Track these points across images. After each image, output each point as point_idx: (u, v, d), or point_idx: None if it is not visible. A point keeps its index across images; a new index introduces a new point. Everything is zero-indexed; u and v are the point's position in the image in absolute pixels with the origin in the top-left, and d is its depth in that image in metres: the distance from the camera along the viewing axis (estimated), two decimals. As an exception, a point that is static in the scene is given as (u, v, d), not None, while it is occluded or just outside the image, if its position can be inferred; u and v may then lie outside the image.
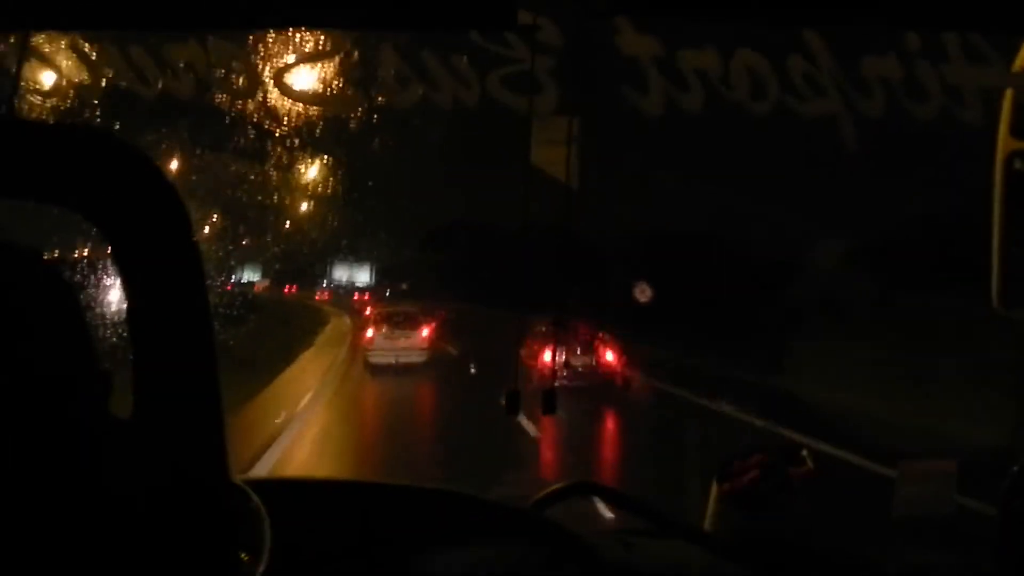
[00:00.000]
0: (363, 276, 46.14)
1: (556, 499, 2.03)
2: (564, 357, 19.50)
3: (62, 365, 0.93)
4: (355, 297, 43.85)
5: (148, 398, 0.94)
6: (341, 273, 45.91)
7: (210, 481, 0.97)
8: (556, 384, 17.32)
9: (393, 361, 21.25)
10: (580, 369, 20.10)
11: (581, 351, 20.72)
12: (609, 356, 21.78)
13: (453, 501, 1.96)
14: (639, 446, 14.56)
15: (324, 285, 46.50)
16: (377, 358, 21.56)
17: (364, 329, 24.43)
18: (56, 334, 0.94)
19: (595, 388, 19.04)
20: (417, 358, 21.88)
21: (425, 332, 23.27)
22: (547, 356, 18.99)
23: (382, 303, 31.75)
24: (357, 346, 23.59)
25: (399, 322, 22.78)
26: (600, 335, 22.24)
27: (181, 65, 1.86)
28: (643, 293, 23.75)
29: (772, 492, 2.01)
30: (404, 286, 43.43)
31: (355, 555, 1.69)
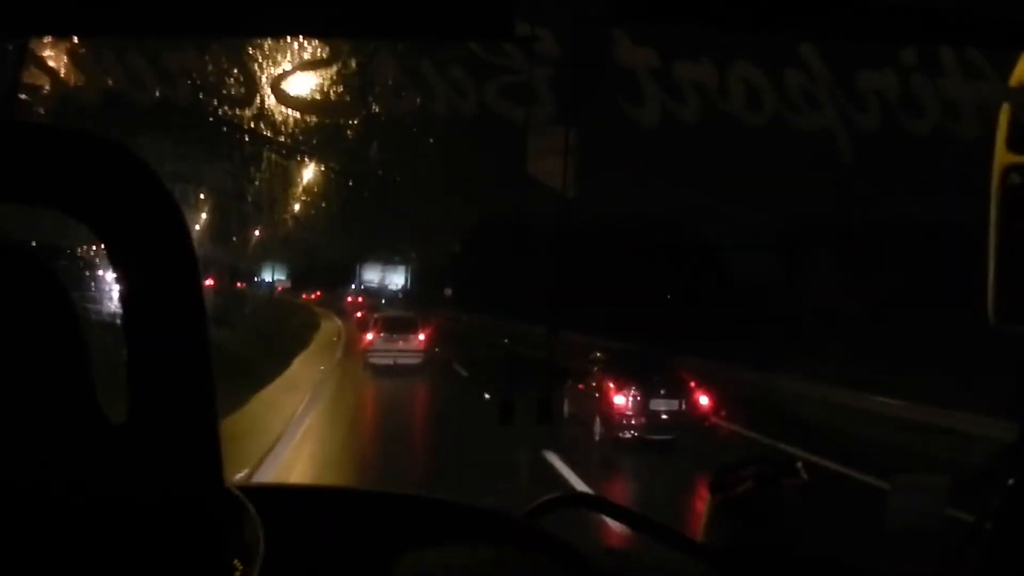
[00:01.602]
0: (397, 278, 40.42)
1: (549, 509, 2.03)
2: (641, 399, 15.10)
3: (51, 366, 0.93)
4: (347, 300, 40.79)
5: (142, 402, 0.94)
6: (372, 275, 40.26)
7: (203, 487, 0.97)
8: (629, 436, 14.41)
9: (391, 362, 22.54)
10: (664, 417, 15.00)
11: (666, 392, 15.29)
12: (704, 401, 15.75)
13: (445, 509, 1.95)
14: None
15: (353, 288, 41.60)
16: (376, 359, 22.86)
17: (363, 333, 25.66)
18: (45, 334, 0.94)
19: (684, 442, 14.32)
20: (413, 360, 23.07)
21: (421, 336, 24.39)
22: (619, 399, 14.97)
23: (377, 309, 31.34)
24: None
25: (397, 326, 24.04)
26: (688, 375, 16.27)
27: (176, 71, 1.87)
28: None
29: (766, 503, 2.01)
30: (447, 291, 34.37)
31: (345, 563, 1.68)
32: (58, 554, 0.88)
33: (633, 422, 14.87)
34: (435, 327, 26.25)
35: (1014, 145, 1.88)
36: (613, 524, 2.18)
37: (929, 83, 1.92)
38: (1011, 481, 1.89)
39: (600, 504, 2.21)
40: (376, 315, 26.26)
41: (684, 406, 15.19)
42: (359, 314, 33.23)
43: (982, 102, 1.92)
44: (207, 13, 1.81)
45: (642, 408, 15.01)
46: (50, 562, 0.88)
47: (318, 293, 45.25)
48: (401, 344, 23.42)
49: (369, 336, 24.18)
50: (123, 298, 0.95)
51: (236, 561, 1.06)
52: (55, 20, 1.82)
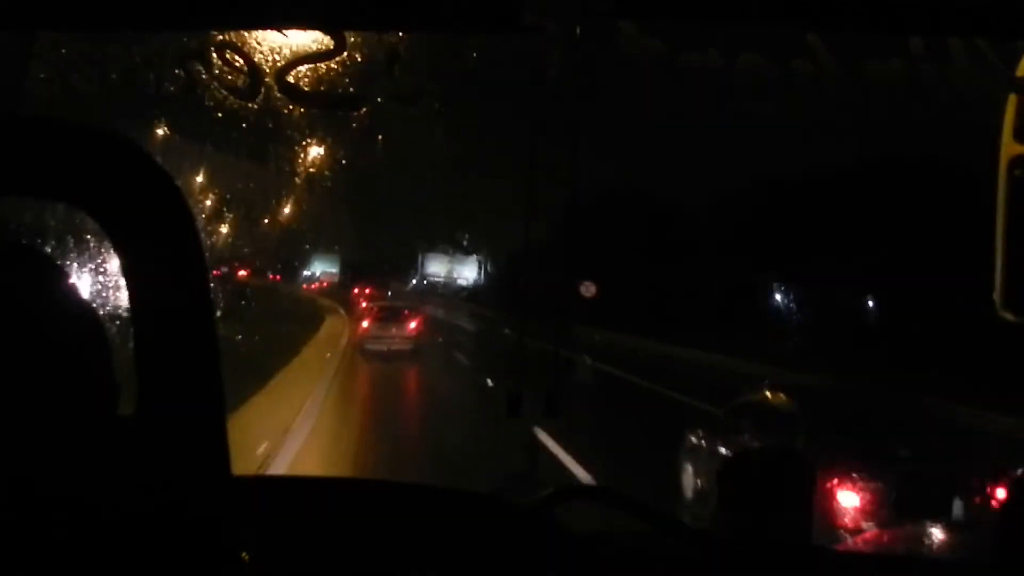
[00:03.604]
0: (468, 272, 31.93)
1: (558, 500, 2.03)
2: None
3: (56, 360, 0.94)
4: (354, 291, 38.18)
5: (150, 395, 0.94)
6: (437, 267, 32.57)
7: (211, 479, 0.97)
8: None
9: (385, 348, 24.11)
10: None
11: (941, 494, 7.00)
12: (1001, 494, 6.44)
13: (456, 499, 1.96)
14: None
15: (414, 282, 35.19)
16: (371, 345, 24.52)
17: (359, 322, 26.86)
18: (50, 328, 0.94)
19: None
20: (405, 346, 24.64)
21: (412, 324, 25.81)
22: (850, 498, 7.21)
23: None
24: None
25: (390, 315, 25.79)
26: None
27: (178, 69, 1.87)
28: None
29: (773, 493, 2.01)
30: (589, 290, 21.87)
31: (354, 553, 1.69)
32: (66, 545, 0.89)
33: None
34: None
35: (1020, 136, 1.87)
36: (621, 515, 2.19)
37: (936, 73, 1.91)
38: (1020, 472, 1.89)
39: (607, 495, 2.21)
40: (370, 305, 27.95)
41: (979, 501, 7.11)
42: (364, 304, 32.69)
43: (989, 93, 1.91)
44: (212, 5, 1.81)
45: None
46: (59, 553, 0.88)
47: (324, 283, 42.44)
48: (394, 331, 24.86)
49: (365, 324, 25.71)
50: (130, 291, 0.95)
51: (244, 554, 1.06)
52: (60, 13, 1.82)
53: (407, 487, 2.00)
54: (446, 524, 1.80)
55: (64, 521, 0.89)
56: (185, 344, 0.96)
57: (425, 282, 34.09)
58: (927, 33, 1.83)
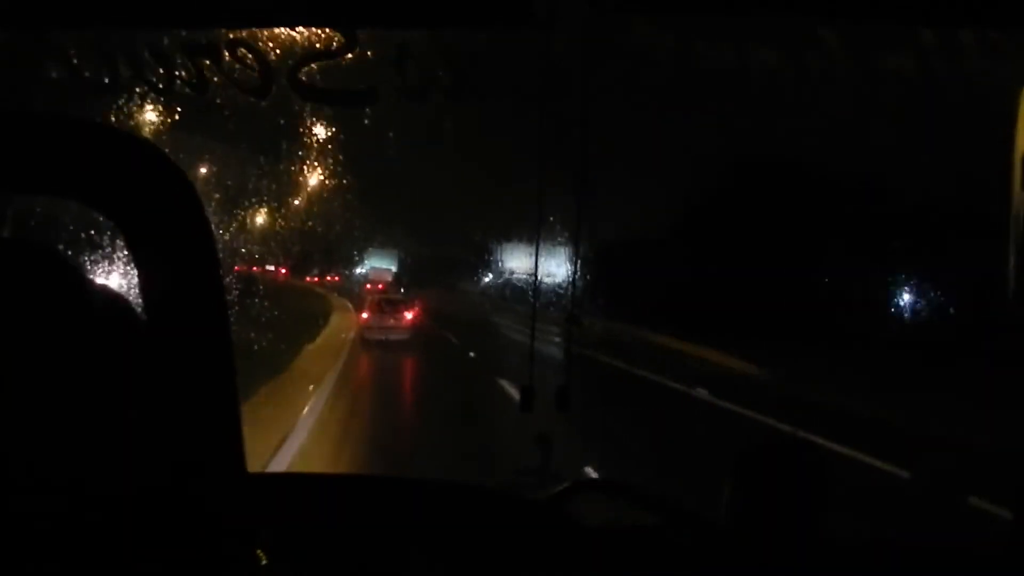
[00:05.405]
0: (555, 267, 25.83)
1: (572, 494, 2.03)
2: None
3: (71, 359, 0.94)
4: (366, 287, 37.82)
5: (165, 394, 0.95)
6: (517, 262, 26.93)
7: (226, 477, 0.97)
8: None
9: (384, 338, 25.39)
10: None
11: None
12: None
13: (468, 496, 1.96)
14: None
15: (487, 279, 30.54)
16: (371, 335, 25.83)
17: (359, 313, 28.39)
18: (64, 326, 0.94)
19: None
20: (403, 336, 26.01)
21: (409, 315, 27.38)
22: None
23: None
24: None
25: (389, 306, 27.41)
26: None
27: (190, 67, 1.87)
28: None
29: (784, 485, 2.00)
30: None
31: (366, 549, 1.69)
32: (84, 544, 0.89)
33: None
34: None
35: None
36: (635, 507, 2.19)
37: (949, 66, 1.90)
38: None
39: (621, 489, 2.21)
40: (370, 297, 29.49)
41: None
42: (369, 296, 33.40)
43: (1003, 85, 1.90)
44: (223, 3, 1.81)
45: None
46: (76, 552, 0.88)
47: (336, 277, 42.19)
48: (392, 322, 26.26)
49: (365, 315, 27.25)
50: (144, 289, 0.95)
51: (259, 551, 1.07)
52: (71, 12, 1.83)
53: (418, 483, 2.00)
54: (458, 519, 1.80)
55: (79, 518, 0.89)
56: (199, 342, 0.96)
57: (502, 277, 29.16)
58: (941, 25, 1.82)
